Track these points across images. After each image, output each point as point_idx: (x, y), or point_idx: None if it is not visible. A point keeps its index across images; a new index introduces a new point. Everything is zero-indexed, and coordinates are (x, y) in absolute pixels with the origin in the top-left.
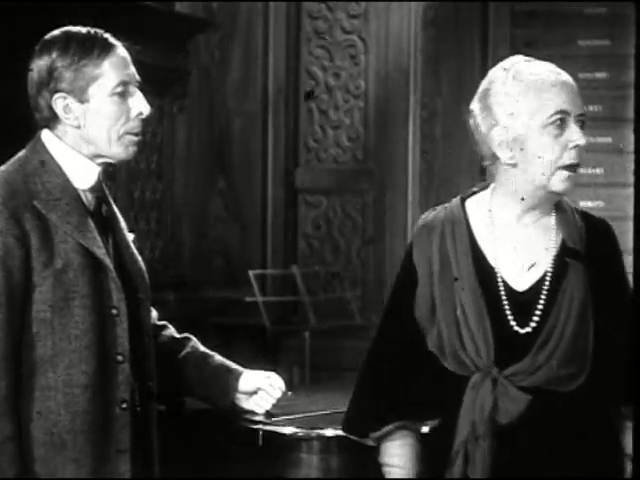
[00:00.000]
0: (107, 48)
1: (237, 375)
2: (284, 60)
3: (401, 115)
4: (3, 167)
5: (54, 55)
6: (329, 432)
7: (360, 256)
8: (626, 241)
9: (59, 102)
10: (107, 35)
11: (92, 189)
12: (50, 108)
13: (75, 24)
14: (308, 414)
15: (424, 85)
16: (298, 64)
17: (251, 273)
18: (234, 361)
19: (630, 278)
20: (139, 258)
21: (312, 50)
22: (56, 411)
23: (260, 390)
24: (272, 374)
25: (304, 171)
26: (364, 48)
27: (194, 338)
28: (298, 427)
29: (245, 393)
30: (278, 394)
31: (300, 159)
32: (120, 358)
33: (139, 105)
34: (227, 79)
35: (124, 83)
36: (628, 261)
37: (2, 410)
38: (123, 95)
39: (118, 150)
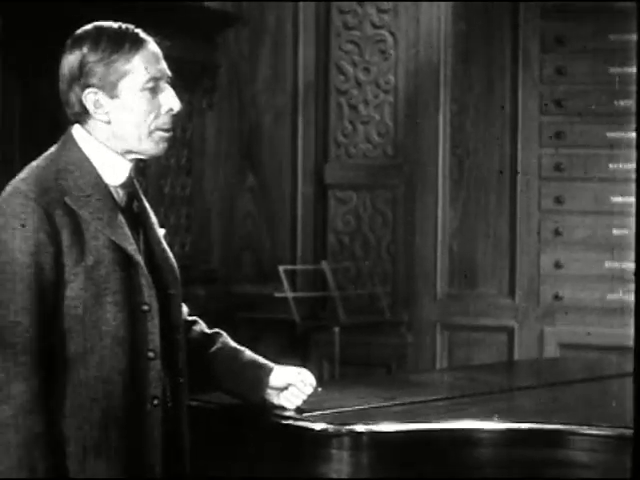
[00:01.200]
0: (138, 43)
1: (268, 371)
2: (314, 55)
3: (431, 110)
4: (34, 163)
5: (85, 50)
6: (360, 428)
7: (390, 252)
8: None
9: (90, 97)
10: (138, 30)
11: (123, 185)
12: (81, 103)
13: (105, 20)
14: (338, 410)
15: (454, 79)
16: (328, 59)
17: (281, 268)
18: (264, 356)
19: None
20: (170, 254)
21: (342, 45)
22: (88, 407)
23: (291, 386)
24: (303, 370)
25: (334, 166)
26: (394, 43)
27: (224, 333)
28: (328, 423)
29: (276, 389)
30: (309, 390)
31: (330, 154)
32: (151, 354)
33: (170, 101)
34: (257, 74)
35: (155, 78)
36: None
37: (34, 407)
38: (154, 90)
39: (148, 146)
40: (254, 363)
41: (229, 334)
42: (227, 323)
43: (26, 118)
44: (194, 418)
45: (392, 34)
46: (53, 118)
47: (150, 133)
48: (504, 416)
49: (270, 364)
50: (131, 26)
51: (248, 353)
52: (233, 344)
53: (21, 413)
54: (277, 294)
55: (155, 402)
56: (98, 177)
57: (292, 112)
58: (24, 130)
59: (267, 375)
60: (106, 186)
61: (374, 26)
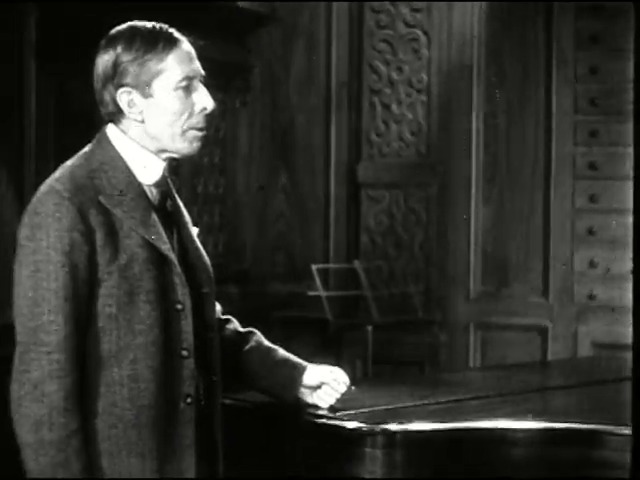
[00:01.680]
0: (171, 42)
1: (301, 369)
2: (347, 54)
3: (464, 108)
4: (68, 162)
5: (119, 50)
6: (393, 427)
7: (423, 251)
8: None
9: (123, 97)
10: (172, 30)
11: (157, 184)
12: (115, 103)
13: (139, 20)
14: (372, 408)
15: (487, 78)
16: (361, 58)
17: (314, 267)
18: (296, 355)
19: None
20: (203, 252)
21: (375, 44)
22: (121, 406)
23: (324, 384)
24: (336, 368)
25: (367, 166)
26: (427, 42)
27: (258, 332)
28: (362, 422)
29: (309, 387)
30: (342, 389)
31: (363, 153)
32: (185, 353)
33: (203, 100)
34: (290, 73)
35: (188, 78)
36: None
37: (68, 405)
38: (187, 90)
39: (182, 145)
40: (287, 362)
41: (262, 333)
42: (260, 322)
43: (60, 118)
44: (228, 417)
45: (425, 33)
46: (87, 118)
47: (184, 132)
48: (538, 416)
49: (303, 363)
50: (165, 25)
51: (281, 352)
52: (267, 343)
53: (55, 411)
54: (310, 293)
55: (188, 400)
56: (132, 176)
57: (325, 111)
58: (58, 130)
59: (300, 374)
60: (140, 185)
61: (407, 25)
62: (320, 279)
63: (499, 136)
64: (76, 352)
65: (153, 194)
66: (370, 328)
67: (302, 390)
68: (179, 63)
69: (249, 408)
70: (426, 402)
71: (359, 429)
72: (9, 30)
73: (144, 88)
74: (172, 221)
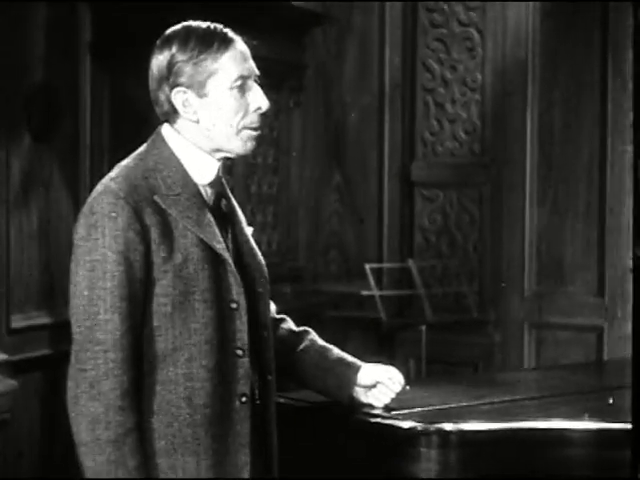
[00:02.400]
0: (226, 42)
1: (356, 369)
2: (400, 53)
3: (519, 107)
4: (124, 162)
5: (174, 50)
6: (448, 426)
7: (477, 250)
8: None
9: (178, 96)
10: (227, 29)
11: (211, 184)
12: (170, 102)
13: (193, 20)
14: (427, 408)
15: (542, 77)
16: (414, 57)
17: (367, 266)
18: (350, 354)
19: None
20: (258, 252)
21: (429, 43)
22: (177, 404)
23: (379, 384)
24: (391, 368)
25: (420, 165)
26: (481, 40)
27: (312, 331)
28: (417, 421)
29: (364, 387)
30: (397, 388)
31: (416, 153)
32: (240, 352)
33: (258, 99)
34: (343, 73)
35: (243, 77)
36: None
37: (124, 403)
38: (242, 89)
39: (237, 145)
40: (342, 361)
41: (315, 332)
42: (313, 321)
43: (115, 117)
44: (283, 416)
45: (479, 31)
46: (142, 117)
47: (238, 132)
48: (594, 416)
49: (358, 362)
50: (219, 25)
51: (336, 351)
52: (321, 342)
53: (111, 410)
54: (363, 292)
55: (243, 399)
56: (187, 176)
57: (379, 110)
58: (113, 129)
59: (355, 373)
60: (195, 185)
61: (461, 24)
62: (374, 278)
63: (554, 135)
64: (132, 351)
65: (208, 194)
66: (424, 328)
67: (356, 389)
68: (234, 62)
69: (304, 407)
70: (480, 402)
71: (414, 429)
72: (64, 30)
73: (199, 88)
74: (227, 221)
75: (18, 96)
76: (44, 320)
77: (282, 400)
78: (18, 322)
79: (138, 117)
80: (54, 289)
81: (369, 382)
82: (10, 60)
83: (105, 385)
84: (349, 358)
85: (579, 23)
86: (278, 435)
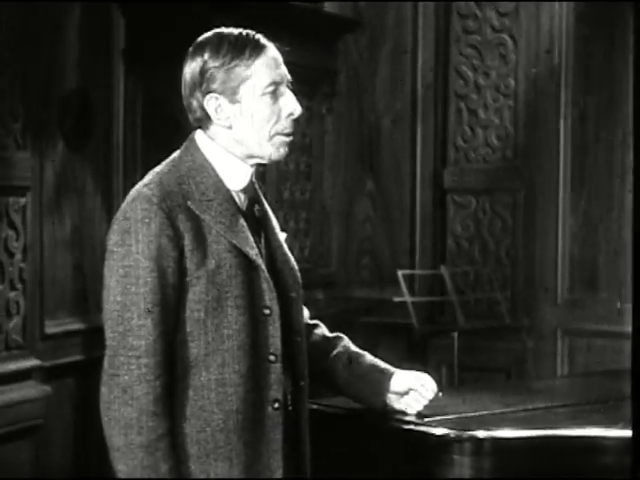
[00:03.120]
0: (258, 48)
1: (389, 375)
2: (433, 59)
3: (551, 114)
4: (157, 168)
5: (206, 56)
6: (481, 434)
7: (509, 256)
8: None
9: (211, 103)
10: (259, 36)
11: (244, 190)
12: (202, 109)
13: (226, 26)
14: (460, 415)
15: (575, 83)
16: (447, 63)
17: (400, 273)
18: (382, 360)
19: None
20: (291, 258)
21: (461, 49)
22: (209, 410)
23: (412, 390)
24: (424, 375)
25: (453, 171)
26: (514, 46)
27: (345, 337)
28: (450, 428)
29: (397, 393)
30: (430, 395)
31: (449, 159)
32: (272, 358)
33: (290, 105)
34: (376, 79)
35: (275, 83)
36: None
37: (157, 408)
38: (274, 95)
39: (269, 151)
40: (375, 367)
41: (348, 338)
42: (346, 327)
43: (148, 123)
44: (315, 422)
45: (512, 37)
46: (174, 123)
47: (271, 137)
48: (629, 424)
49: (391, 369)
50: (252, 32)
51: (369, 357)
52: (354, 348)
53: (144, 415)
54: (396, 299)
55: (276, 405)
56: (220, 182)
57: (411, 117)
58: (146, 135)
59: (388, 380)
60: (228, 191)
61: (494, 30)
62: (406, 284)
63: (587, 140)
64: (165, 356)
65: (241, 200)
66: (456, 334)
67: (389, 396)
68: (266, 68)
69: (337, 414)
70: (513, 409)
71: (447, 436)
72: (98, 36)
73: (231, 94)
74: (260, 226)
75: (52, 101)
76: (77, 326)
77: (315, 406)
78: (51, 328)
79: (171, 123)
80: (87, 295)
81: (402, 389)
82: (44, 66)
83: (138, 390)
84: (382, 364)
85: (613, 29)
86: (311, 441)
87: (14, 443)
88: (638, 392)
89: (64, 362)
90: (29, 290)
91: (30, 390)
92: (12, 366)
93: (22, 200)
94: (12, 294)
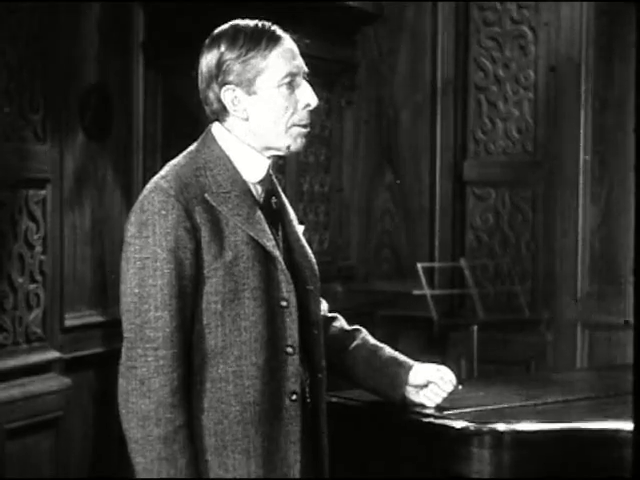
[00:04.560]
0: (274, 40)
1: (407, 368)
2: (453, 51)
3: (572, 106)
4: (174, 161)
5: (222, 48)
6: (501, 427)
7: (529, 249)
8: None
9: (228, 94)
10: (275, 27)
11: (262, 182)
12: (219, 101)
13: (245, 19)
14: (479, 408)
15: (596, 75)
16: (467, 55)
17: (419, 266)
18: (402, 354)
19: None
20: (309, 250)
21: (481, 41)
22: (227, 402)
23: (431, 383)
24: (443, 367)
25: (472, 163)
26: (534, 38)
27: (364, 330)
28: (469, 421)
29: (415, 386)
30: (449, 388)
31: (468, 151)
32: (290, 350)
33: (307, 96)
34: (395, 71)
35: (291, 74)
36: None
37: (174, 400)
38: (291, 86)
39: (286, 142)
40: (394, 360)
41: (367, 331)
42: (365, 320)
43: (167, 116)
44: (334, 414)
45: (532, 29)
46: (194, 116)
47: (288, 129)
48: None
49: (410, 361)
50: (268, 23)
51: (388, 350)
52: (373, 341)
53: (162, 407)
54: (415, 291)
55: (293, 397)
56: (237, 174)
57: (431, 109)
58: (165, 128)
59: (407, 372)
60: (245, 183)
61: (514, 22)
62: (425, 277)
63: (607, 133)
64: (182, 348)
65: (258, 192)
66: (475, 327)
67: (408, 389)
68: (282, 60)
69: (356, 406)
70: (534, 402)
71: (467, 429)
72: (117, 30)
73: (248, 86)
74: (277, 218)
75: (72, 95)
76: (97, 318)
77: (335, 399)
78: (71, 320)
79: (190, 116)
80: (107, 288)
81: (421, 382)
82: (64, 59)
83: (155, 382)
84: (401, 357)
85: (633, 20)
86: (330, 434)
87: (34, 435)
88: (638, 391)
89: (84, 354)
90: (49, 283)
91: (50, 382)
92: (32, 358)
93: (42, 192)
94: (32, 286)
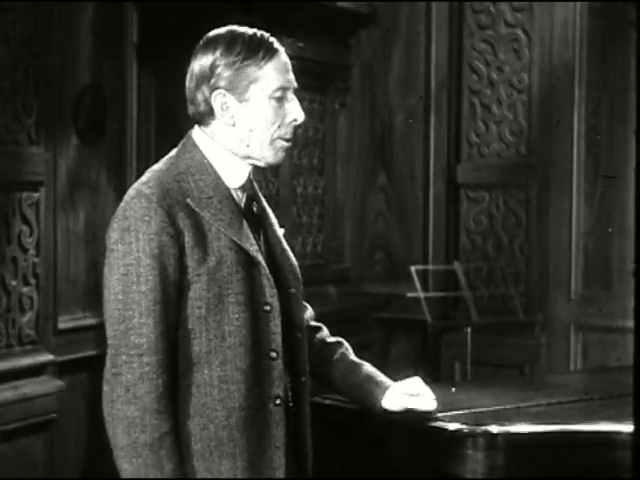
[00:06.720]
0: (272, 51)
1: (384, 389)
2: (446, 54)
3: (566, 108)
4: (155, 166)
5: (218, 52)
6: (495, 429)
7: (523, 252)
8: None
9: (218, 99)
10: (273, 39)
11: (243, 187)
12: (207, 103)
13: (240, 23)
14: (473, 410)
15: (589, 78)
16: (461, 58)
17: (413, 268)
18: (395, 356)
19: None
20: (290, 254)
21: (475, 44)
22: (212, 407)
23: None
24: (424, 390)
25: (466, 166)
26: (528, 41)
27: (346, 343)
28: (463, 423)
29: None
30: (431, 406)
31: (462, 154)
32: (273, 354)
33: (295, 111)
34: (389, 74)
35: (283, 88)
36: None
37: (160, 407)
38: (280, 100)
39: (268, 154)
40: (371, 379)
41: (360, 334)
42: (359, 322)
43: (161, 118)
44: (328, 416)
45: (526, 33)
46: (187, 118)
47: (272, 141)
48: None
49: (387, 382)
50: (266, 33)
51: (366, 367)
52: (352, 357)
53: (147, 413)
54: (409, 294)
55: (277, 402)
56: (219, 179)
57: (424, 112)
58: (159, 130)
59: (382, 393)
60: (227, 188)
61: (508, 25)
62: (419, 280)
63: (601, 136)
64: (167, 354)
65: (239, 197)
66: (469, 330)
67: (385, 407)
68: (277, 73)
69: (350, 409)
70: (527, 404)
71: (460, 431)
72: (111, 31)
73: (240, 93)
74: (259, 223)
75: (65, 97)
76: (90, 321)
77: (328, 402)
78: (65, 323)
79: (184, 118)
80: (100, 290)
81: (394, 408)
82: (57, 61)
83: (141, 389)
84: (379, 377)
85: (627, 23)
86: (324, 436)
87: (28, 437)
88: (638, 391)
89: (77, 357)
90: (42, 285)
91: (43, 385)
92: (26, 361)
93: (35, 195)
94: (25, 289)
